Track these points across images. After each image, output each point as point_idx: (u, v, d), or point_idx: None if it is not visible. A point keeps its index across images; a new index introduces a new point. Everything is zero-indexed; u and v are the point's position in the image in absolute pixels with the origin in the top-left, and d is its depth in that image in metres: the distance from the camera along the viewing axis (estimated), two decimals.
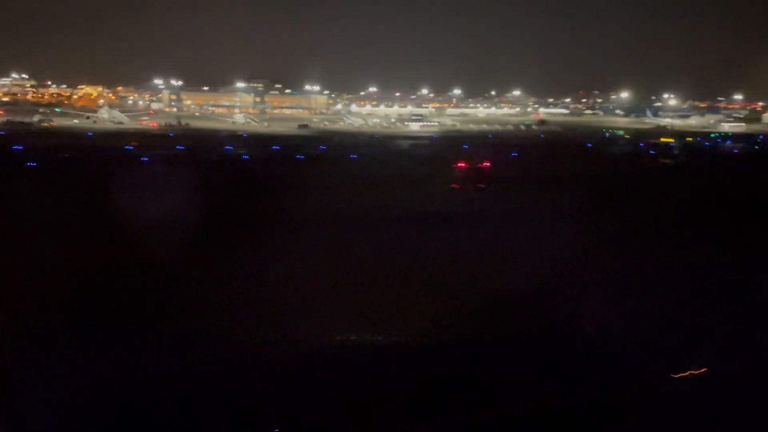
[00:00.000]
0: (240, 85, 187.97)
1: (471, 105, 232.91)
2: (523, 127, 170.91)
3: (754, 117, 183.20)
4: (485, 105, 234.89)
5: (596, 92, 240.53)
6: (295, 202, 40.36)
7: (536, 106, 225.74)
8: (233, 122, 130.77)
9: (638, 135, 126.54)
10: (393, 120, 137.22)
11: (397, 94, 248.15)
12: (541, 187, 51.74)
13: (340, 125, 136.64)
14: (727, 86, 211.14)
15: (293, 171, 62.20)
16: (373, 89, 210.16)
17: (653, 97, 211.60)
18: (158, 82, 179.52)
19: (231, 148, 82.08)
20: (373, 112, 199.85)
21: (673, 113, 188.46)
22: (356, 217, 38.44)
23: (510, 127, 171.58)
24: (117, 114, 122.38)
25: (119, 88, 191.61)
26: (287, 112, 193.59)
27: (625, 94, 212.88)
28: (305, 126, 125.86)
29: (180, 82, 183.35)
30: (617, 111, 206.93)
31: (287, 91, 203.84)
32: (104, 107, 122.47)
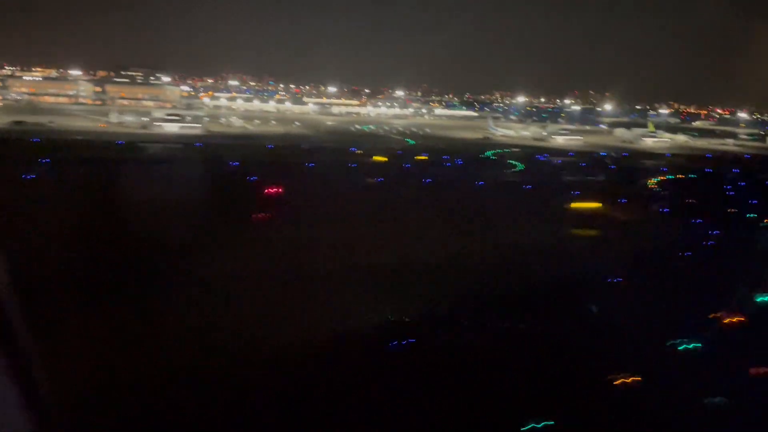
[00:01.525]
0: (78, 73, 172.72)
1: (383, 104, 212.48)
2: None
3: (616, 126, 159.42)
4: (389, 104, 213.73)
5: (505, 94, 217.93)
6: None
7: (430, 106, 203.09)
8: None
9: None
10: (146, 119, 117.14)
11: (297, 87, 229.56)
12: None
13: (95, 124, 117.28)
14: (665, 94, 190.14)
15: None
16: (234, 82, 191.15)
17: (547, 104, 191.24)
18: None
19: None
20: (233, 106, 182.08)
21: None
22: None
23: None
24: None
25: None
26: (148, 104, 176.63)
27: (522, 99, 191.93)
28: (20, 122, 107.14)
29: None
30: (512, 116, 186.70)
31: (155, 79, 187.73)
32: None
